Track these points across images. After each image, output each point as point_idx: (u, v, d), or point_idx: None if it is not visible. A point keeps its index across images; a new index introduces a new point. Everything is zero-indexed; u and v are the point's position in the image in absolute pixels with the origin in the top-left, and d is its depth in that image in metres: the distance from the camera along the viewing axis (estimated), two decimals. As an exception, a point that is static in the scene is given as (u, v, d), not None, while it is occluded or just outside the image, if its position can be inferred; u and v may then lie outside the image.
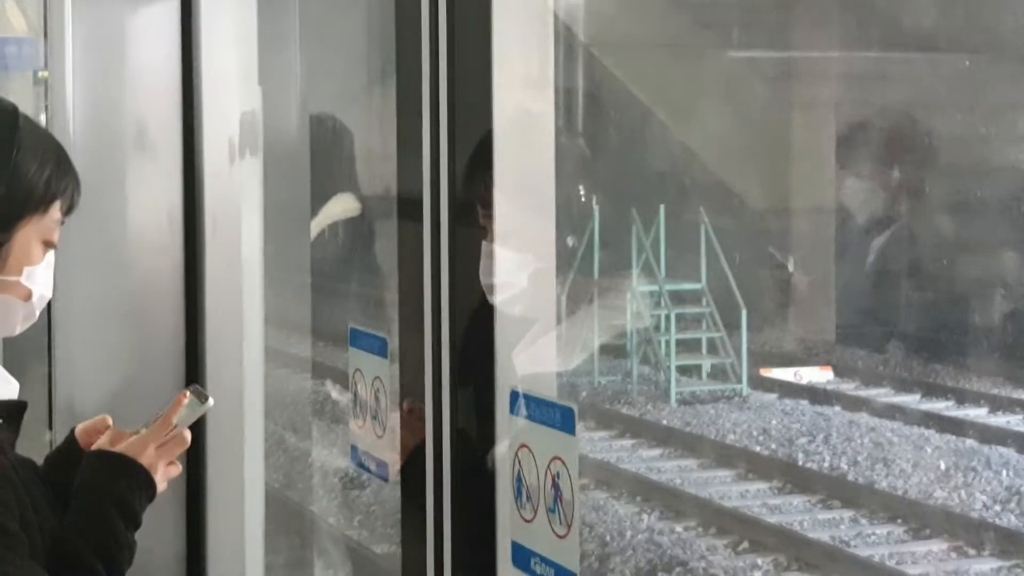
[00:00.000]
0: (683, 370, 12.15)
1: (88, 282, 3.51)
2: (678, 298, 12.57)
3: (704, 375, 12.30)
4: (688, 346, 12.38)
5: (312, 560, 5.65)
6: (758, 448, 10.33)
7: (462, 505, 2.29)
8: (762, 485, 9.57)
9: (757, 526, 8.61)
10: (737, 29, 12.71)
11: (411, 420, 2.45)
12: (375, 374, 2.67)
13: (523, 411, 2.10)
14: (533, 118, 2.23)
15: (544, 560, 2.06)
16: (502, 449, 2.18)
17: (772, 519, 8.76)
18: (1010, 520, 8.48)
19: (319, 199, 4.40)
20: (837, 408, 11.41)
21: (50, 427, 3.63)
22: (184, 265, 3.67)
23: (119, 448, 2.25)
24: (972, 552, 8.07)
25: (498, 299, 2.26)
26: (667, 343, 12.22)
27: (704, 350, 12.40)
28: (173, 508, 3.60)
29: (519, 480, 2.12)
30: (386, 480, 2.63)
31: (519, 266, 2.28)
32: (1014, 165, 11.08)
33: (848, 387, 11.93)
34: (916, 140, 11.61)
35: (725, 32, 12.58)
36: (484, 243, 2.35)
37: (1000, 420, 10.50)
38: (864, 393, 11.67)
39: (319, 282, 5.92)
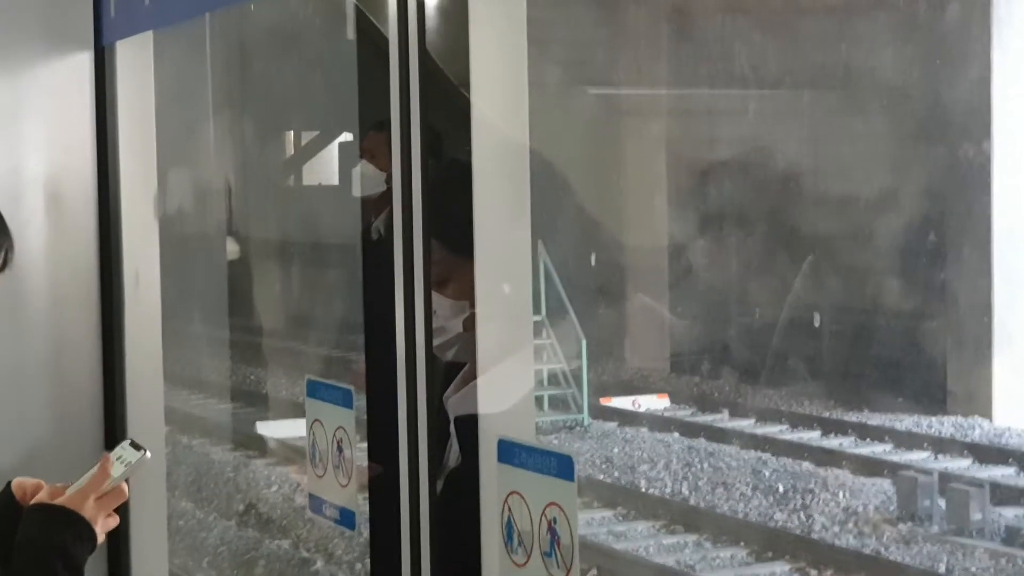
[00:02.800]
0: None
1: (6, 338, 3.47)
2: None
3: (546, 406, 12.22)
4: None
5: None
6: (602, 476, 10.32)
7: (442, 552, 2.29)
8: (607, 513, 9.56)
9: (603, 553, 8.57)
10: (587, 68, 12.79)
11: (381, 469, 2.47)
12: (338, 424, 2.66)
13: (515, 459, 2.12)
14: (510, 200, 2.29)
15: (541, 607, 2.07)
16: (489, 496, 2.19)
17: (619, 546, 8.76)
18: (848, 540, 8.65)
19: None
20: (676, 434, 11.51)
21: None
22: (101, 321, 3.64)
23: (59, 501, 2.22)
24: (814, 573, 8.15)
25: (480, 350, 2.29)
26: (507, 375, 12.15)
27: (545, 381, 12.32)
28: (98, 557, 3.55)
29: (509, 526, 2.13)
30: (352, 528, 2.62)
31: (497, 314, 2.32)
32: (841, 198, 11.37)
33: (684, 414, 12.03)
34: (748, 177, 11.88)
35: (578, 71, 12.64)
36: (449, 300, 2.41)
37: (833, 442, 10.70)
38: (700, 419, 11.78)
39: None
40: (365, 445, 2.66)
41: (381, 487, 2.50)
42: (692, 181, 12.72)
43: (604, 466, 10.70)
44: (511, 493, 2.13)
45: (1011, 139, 11.21)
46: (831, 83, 12.01)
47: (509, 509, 2.13)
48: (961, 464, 9.95)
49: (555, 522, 2.04)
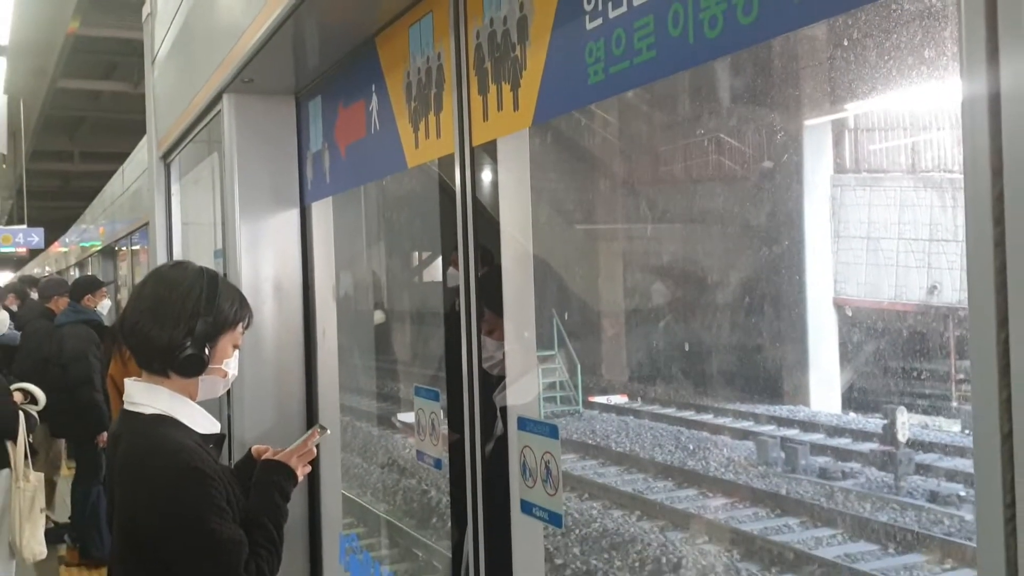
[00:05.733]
0: (546, 400, 11.93)
1: (250, 366, 3.49)
2: (542, 359, 12.41)
3: (558, 402, 12.14)
4: (548, 386, 12.28)
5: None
6: (589, 441, 10.21)
7: (488, 481, 2.27)
8: (592, 462, 9.44)
9: (592, 485, 8.51)
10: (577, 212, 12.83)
11: (456, 435, 2.45)
12: (432, 410, 2.65)
13: (526, 428, 2.11)
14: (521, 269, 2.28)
15: (541, 508, 2.05)
16: (513, 448, 2.16)
17: (600, 480, 8.66)
18: (730, 476, 8.49)
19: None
20: (630, 417, 11.42)
21: (229, 445, 3.57)
22: (304, 356, 3.65)
23: (277, 457, 2.23)
24: (710, 495, 8.07)
25: (508, 369, 2.26)
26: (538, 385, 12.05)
27: (558, 388, 12.32)
28: (300, 491, 3.54)
29: (524, 465, 2.11)
30: (440, 468, 2.58)
31: (518, 349, 2.29)
32: (724, 284, 11.29)
33: (636, 405, 11.92)
34: (671, 273, 11.84)
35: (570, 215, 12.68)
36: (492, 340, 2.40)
37: (720, 421, 10.58)
38: (645, 408, 11.63)
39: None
40: (446, 423, 2.64)
41: (456, 445, 2.43)
42: (637, 276, 12.66)
43: (590, 435, 10.57)
44: (525, 446, 2.11)
45: (815, 248, 11.17)
46: (702, 219, 11.94)
47: (524, 456, 2.11)
48: (793, 432, 9.81)
49: (549, 463, 2.02)
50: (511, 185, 2.23)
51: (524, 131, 2.15)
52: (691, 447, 9.74)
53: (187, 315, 2.05)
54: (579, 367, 12.09)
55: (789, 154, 11.27)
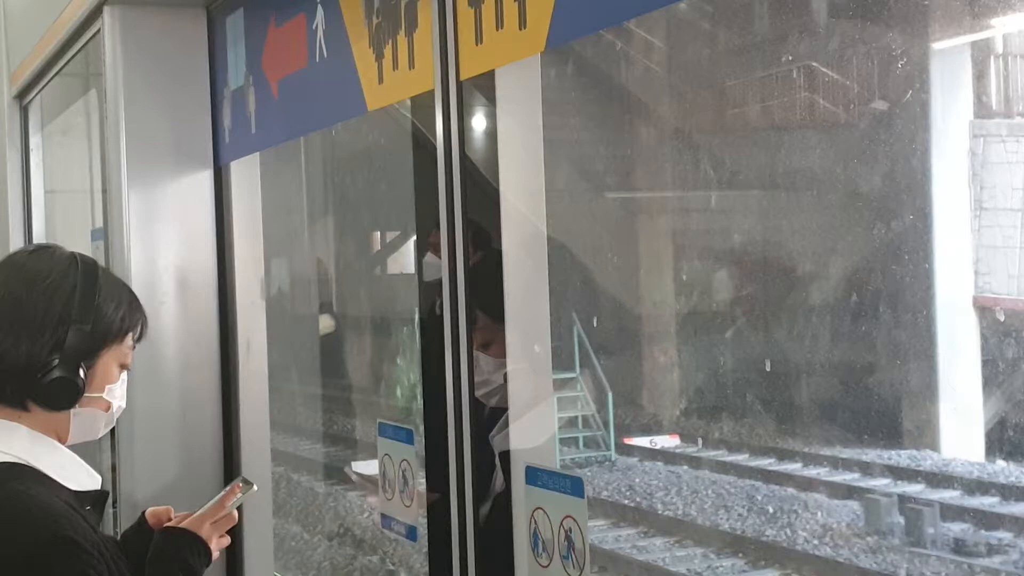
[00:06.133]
0: (564, 442, 11.95)
1: (144, 395, 3.50)
2: (558, 384, 12.55)
3: (581, 444, 12.14)
4: (568, 422, 12.25)
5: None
6: (626, 501, 10.26)
7: (483, 557, 2.28)
8: (631, 531, 9.50)
9: (630, 563, 8.55)
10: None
11: (436, 494, 2.46)
12: (402, 457, 2.66)
13: (538, 481, 2.11)
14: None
15: (560, 596, 2.06)
16: (519, 512, 2.17)
17: (641, 558, 8.69)
18: (826, 551, 8.55)
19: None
20: (685, 467, 11.44)
21: (114, 506, 3.59)
22: (220, 380, 3.66)
23: (183, 524, 2.24)
24: (798, 577, 8.12)
25: (512, 397, 2.28)
26: (550, 421, 12.12)
27: (580, 425, 12.28)
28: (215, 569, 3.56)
29: (535, 535, 2.11)
30: (415, 540, 2.60)
31: (526, 369, 2.31)
32: (814, 277, 11.32)
33: (692, 450, 11.94)
34: (742, 259, 11.86)
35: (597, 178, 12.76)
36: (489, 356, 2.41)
37: (812, 472, 10.60)
38: (706, 455, 11.66)
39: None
40: (423, 475, 2.65)
41: (438, 507, 2.45)
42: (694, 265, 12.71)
43: (628, 492, 10.60)
44: (536, 508, 2.12)
45: (949, 226, 11.19)
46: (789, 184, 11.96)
47: (535, 522, 2.12)
48: (916, 488, 9.83)
49: (570, 531, 2.03)
50: (515, 136, 2.24)
51: (534, 58, 2.15)
52: (771, 509, 9.77)
53: (53, 322, 2.07)
54: (610, 395, 12.09)
55: (911, 91, 11.29)
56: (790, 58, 11.50)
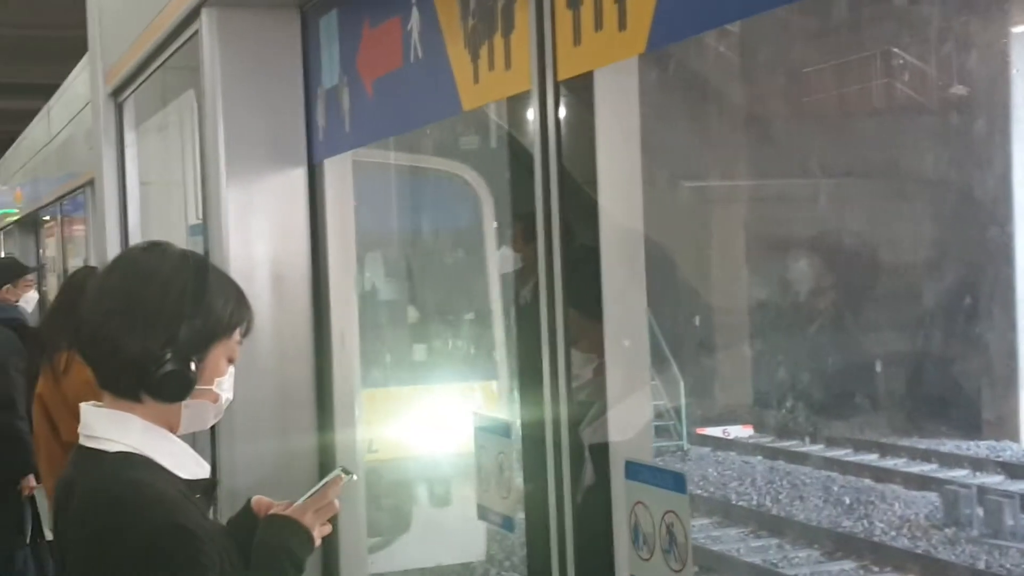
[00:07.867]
0: None
1: (243, 387, 3.53)
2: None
3: (653, 434, 12.16)
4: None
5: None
6: (699, 491, 10.19)
7: (582, 549, 2.28)
8: (704, 521, 9.45)
9: (704, 553, 8.48)
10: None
11: (532, 485, 2.48)
12: (499, 450, 2.66)
13: (639, 476, 2.13)
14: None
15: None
16: (619, 505, 2.18)
17: (715, 548, 8.65)
18: (903, 543, 8.47)
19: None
20: (759, 457, 11.40)
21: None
22: (315, 372, 3.69)
23: (287, 512, 2.23)
24: (876, 569, 8.03)
25: (609, 391, 2.28)
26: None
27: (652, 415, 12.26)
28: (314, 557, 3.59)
29: (635, 529, 2.13)
30: (511, 531, 2.61)
31: (621, 363, 2.33)
32: (894, 267, 11.18)
33: (766, 440, 11.87)
34: (816, 251, 11.74)
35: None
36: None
37: (889, 463, 10.51)
38: (779, 445, 11.59)
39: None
40: (520, 467, 2.66)
41: (535, 499, 2.46)
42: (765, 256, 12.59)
43: (701, 483, 10.57)
44: (637, 503, 2.13)
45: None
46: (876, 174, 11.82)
47: (636, 515, 2.13)
48: (995, 479, 9.68)
49: (672, 526, 2.05)
50: (613, 137, 2.24)
51: (632, 60, 2.16)
52: (847, 500, 9.68)
53: (167, 317, 2.08)
54: (682, 385, 12.04)
55: (990, 75, 11.09)
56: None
